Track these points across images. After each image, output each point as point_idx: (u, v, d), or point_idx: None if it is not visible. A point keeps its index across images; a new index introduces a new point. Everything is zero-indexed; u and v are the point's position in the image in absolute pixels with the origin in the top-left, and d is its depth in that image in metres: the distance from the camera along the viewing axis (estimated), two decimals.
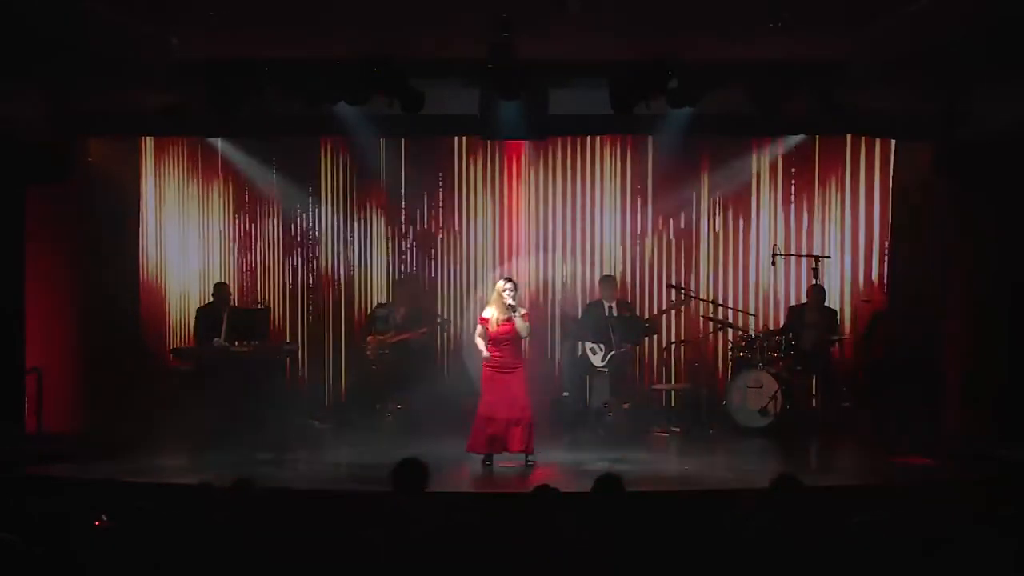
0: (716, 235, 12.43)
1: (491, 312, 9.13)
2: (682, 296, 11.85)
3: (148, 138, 12.16)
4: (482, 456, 9.17)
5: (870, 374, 11.76)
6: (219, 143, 12.38)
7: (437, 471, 8.50)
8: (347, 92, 9.92)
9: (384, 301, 12.09)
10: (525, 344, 9.49)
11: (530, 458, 9.19)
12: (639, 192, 12.52)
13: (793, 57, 9.67)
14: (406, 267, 12.68)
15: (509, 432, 9.05)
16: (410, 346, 11.63)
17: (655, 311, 12.29)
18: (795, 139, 12.06)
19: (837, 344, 11.49)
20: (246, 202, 12.71)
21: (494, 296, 9.15)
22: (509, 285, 9.10)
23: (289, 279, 12.75)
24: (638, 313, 12.02)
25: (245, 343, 11.23)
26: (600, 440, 10.79)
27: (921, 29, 8.63)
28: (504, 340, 9.09)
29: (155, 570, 5.42)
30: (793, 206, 12.29)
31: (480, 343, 9.23)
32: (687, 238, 12.46)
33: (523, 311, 9.15)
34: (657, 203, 12.51)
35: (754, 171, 12.35)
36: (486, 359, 9.13)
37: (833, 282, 11.96)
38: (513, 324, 9.02)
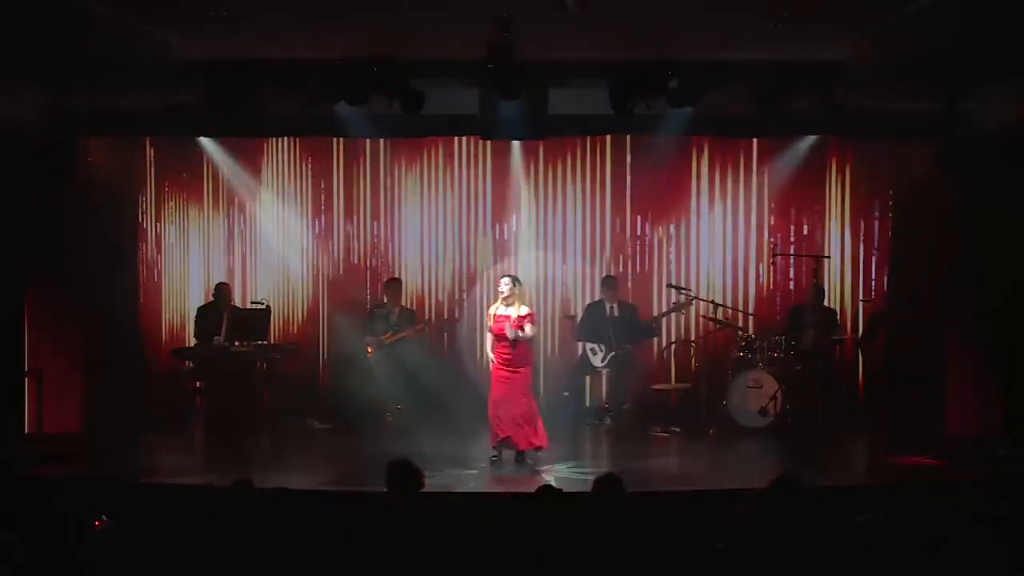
0: (716, 235, 12.42)
1: (493, 308, 9.27)
2: (682, 297, 11.84)
3: (148, 138, 12.15)
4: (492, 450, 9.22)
5: (870, 374, 11.77)
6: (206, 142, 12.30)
7: (438, 471, 8.58)
8: (347, 92, 9.92)
9: (381, 302, 12.07)
10: (531, 343, 9.44)
11: (530, 455, 9.16)
12: (639, 192, 12.51)
13: (793, 57, 9.66)
14: (405, 267, 12.67)
15: (514, 432, 9.09)
16: (407, 344, 11.62)
17: (655, 312, 12.28)
18: (809, 140, 11.97)
19: (837, 344, 11.49)
20: (247, 201, 12.69)
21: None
22: (504, 280, 9.19)
23: (289, 279, 12.75)
24: (639, 314, 12.01)
25: (245, 343, 11.22)
26: (600, 440, 10.80)
27: (921, 29, 8.62)
28: (499, 337, 9.15)
29: (155, 570, 5.42)
30: (792, 206, 12.28)
31: (488, 338, 9.38)
32: (687, 238, 12.45)
33: (525, 311, 9.12)
34: (657, 203, 12.50)
35: (754, 171, 12.35)
36: (492, 359, 9.24)
37: (833, 282, 11.96)
38: (503, 323, 9.07)
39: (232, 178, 12.56)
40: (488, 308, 9.54)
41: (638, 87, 9.84)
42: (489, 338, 9.35)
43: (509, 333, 9.04)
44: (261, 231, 12.69)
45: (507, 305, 9.10)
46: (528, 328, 9.10)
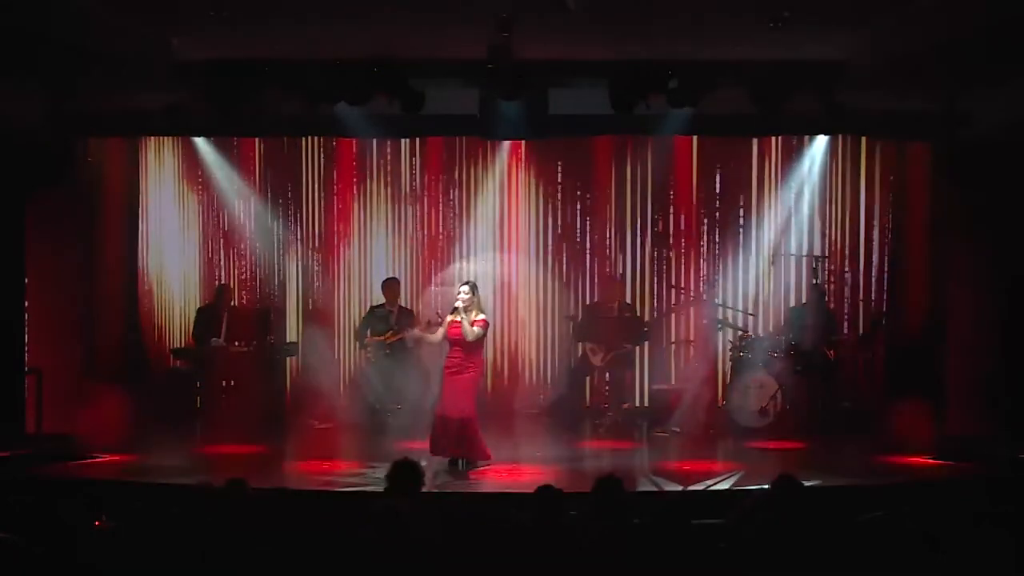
0: (716, 235, 12.43)
1: (451, 313, 9.09)
2: (682, 297, 11.85)
3: (148, 138, 12.15)
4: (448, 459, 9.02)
5: (870, 374, 11.77)
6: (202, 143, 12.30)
7: (438, 471, 8.58)
8: (347, 92, 9.91)
9: (380, 303, 12.07)
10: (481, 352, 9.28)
11: (470, 464, 8.95)
12: (639, 192, 12.53)
13: (793, 57, 9.66)
14: (405, 267, 12.68)
15: (453, 436, 8.90)
16: (407, 344, 11.63)
17: (656, 312, 12.29)
18: (809, 140, 11.98)
19: (837, 344, 11.48)
20: (246, 202, 12.71)
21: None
22: (464, 288, 9.01)
23: (289, 279, 12.76)
24: (639, 314, 12.02)
25: (245, 343, 11.22)
26: (600, 440, 10.81)
27: (921, 29, 8.63)
28: (453, 342, 8.99)
29: (155, 570, 5.42)
30: (793, 206, 12.29)
31: (430, 336, 9.27)
32: (687, 238, 12.46)
33: (480, 317, 8.95)
34: (657, 203, 12.51)
35: (754, 171, 12.36)
36: (444, 361, 9.09)
37: (833, 282, 11.96)
38: (460, 327, 8.91)
39: (226, 179, 12.57)
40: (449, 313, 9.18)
41: (638, 87, 9.84)
42: (434, 336, 9.23)
43: (469, 335, 8.86)
44: (260, 231, 12.71)
45: (466, 311, 8.91)
46: (478, 328, 8.91)
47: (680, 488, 8.34)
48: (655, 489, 8.35)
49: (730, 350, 11.60)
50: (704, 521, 6.08)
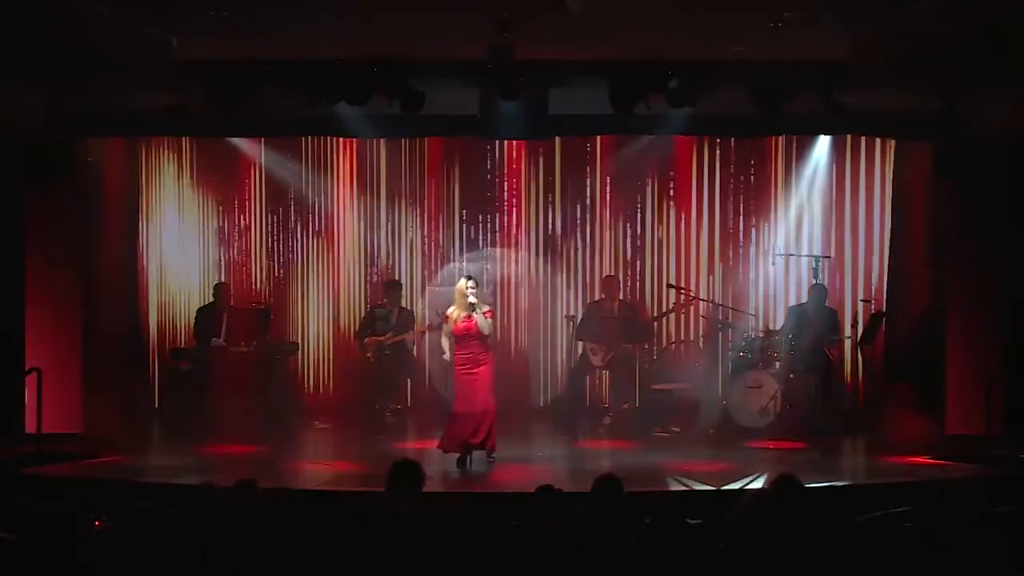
0: (716, 235, 12.43)
1: (452, 310, 9.13)
2: (682, 297, 11.85)
3: (148, 138, 12.15)
4: (457, 457, 9.06)
5: (870, 374, 11.78)
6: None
7: (438, 471, 8.58)
8: (347, 92, 9.92)
9: (381, 303, 12.07)
10: (492, 340, 9.38)
11: (493, 455, 9.10)
12: (639, 192, 12.53)
13: (793, 57, 9.67)
14: (406, 267, 12.69)
15: (475, 428, 8.97)
16: (407, 345, 11.63)
17: (656, 312, 12.29)
18: (809, 140, 11.97)
19: (837, 344, 11.49)
20: (246, 202, 12.71)
21: (456, 294, 9.13)
22: (471, 283, 9.06)
23: (289, 279, 12.76)
24: (639, 314, 12.02)
25: (245, 343, 11.22)
26: (600, 440, 10.80)
27: (921, 29, 8.62)
28: (467, 337, 9.03)
29: (155, 570, 5.42)
30: (793, 206, 12.29)
31: (444, 342, 9.27)
32: (687, 238, 12.47)
33: (486, 308, 9.07)
34: (657, 203, 12.51)
35: (754, 171, 12.36)
36: (455, 358, 9.11)
37: (833, 282, 11.96)
38: (474, 322, 8.96)
39: (233, 177, 12.60)
40: (447, 311, 9.28)
41: (638, 87, 9.84)
42: (445, 343, 9.24)
43: (486, 329, 8.94)
44: (261, 230, 12.71)
45: (468, 305, 8.94)
46: (490, 319, 9.02)
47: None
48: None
49: (730, 350, 11.61)
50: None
